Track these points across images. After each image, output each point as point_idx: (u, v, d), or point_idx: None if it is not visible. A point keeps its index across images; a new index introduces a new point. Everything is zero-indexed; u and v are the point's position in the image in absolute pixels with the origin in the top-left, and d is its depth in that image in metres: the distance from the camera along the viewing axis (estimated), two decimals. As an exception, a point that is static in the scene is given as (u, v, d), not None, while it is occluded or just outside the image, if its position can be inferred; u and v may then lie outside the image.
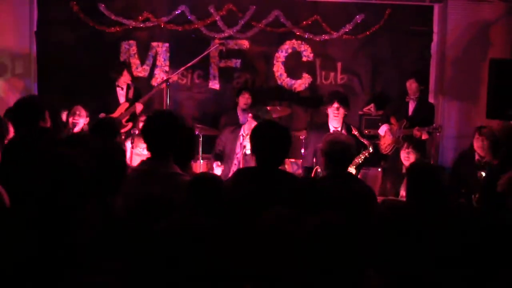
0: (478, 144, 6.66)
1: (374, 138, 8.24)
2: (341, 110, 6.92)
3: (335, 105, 6.93)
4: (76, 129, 6.95)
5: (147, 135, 4.06)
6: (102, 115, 7.47)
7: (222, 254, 3.28)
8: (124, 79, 8.16)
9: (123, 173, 3.54)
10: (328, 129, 7.02)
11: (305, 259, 3.07)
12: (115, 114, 7.84)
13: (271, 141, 4.07)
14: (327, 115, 7.10)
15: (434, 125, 7.60)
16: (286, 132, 4.26)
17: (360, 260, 3.63)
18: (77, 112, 7.03)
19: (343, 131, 6.86)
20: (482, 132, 6.62)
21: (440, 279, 3.58)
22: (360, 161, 6.39)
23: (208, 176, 3.78)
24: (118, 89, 8.14)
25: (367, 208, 4.46)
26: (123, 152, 4.01)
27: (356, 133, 6.64)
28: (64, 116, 7.59)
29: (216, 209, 3.44)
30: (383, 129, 7.99)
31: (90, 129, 5.46)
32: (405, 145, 6.87)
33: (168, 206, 3.58)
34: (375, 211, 4.58)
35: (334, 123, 6.98)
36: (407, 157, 6.73)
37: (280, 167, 4.29)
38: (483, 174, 6.29)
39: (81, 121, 6.99)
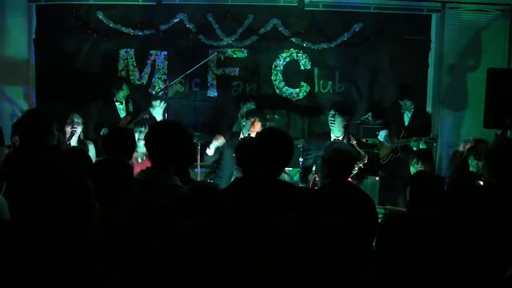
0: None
1: (372, 147, 8.29)
2: (337, 119, 6.95)
3: (331, 112, 6.98)
4: (75, 138, 6.92)
5: (150, 144, 4.03)
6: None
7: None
8: (124, 94, 8.17)
9: (127, 184, 3.52)
10: (330, 138, 7.05)
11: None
12: None
13: (274, 149, 3.97)
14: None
15: (430, 135, 7.59)
16: (290, 141, 4.22)
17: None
18: (75, 120, 7.01)
19: (344, 140, 6.89)
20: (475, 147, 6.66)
21: (441, 281, 3.60)
22: (354, 171, 6.36)
23: (206, 185, 3.77)
24: (117, 103, 8.16)
25: (367, 215, 4.49)
26: (128, 166, 3.96)
27: (354, 142, 6.67)
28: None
29: (213, 217, 3.43)
30: (382, 135, 8.02)
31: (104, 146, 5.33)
32: (415, 159, 6.84)
33: (166, 216, 3.57)
34: (375, 218, 4.61)
35: (335, 132, 7.01)
36: (418, 168, 6.73)
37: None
38: (481, 183, 6.28)
39: (79, 129, 6.96)
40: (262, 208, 3.61)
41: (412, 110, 8.00)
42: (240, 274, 3.24)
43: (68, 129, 6.94)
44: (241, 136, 7.32)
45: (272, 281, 3.28)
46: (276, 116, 8.16)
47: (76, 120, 7.01)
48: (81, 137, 7.05)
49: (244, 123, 7.33)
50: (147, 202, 3.51)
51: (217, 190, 3.59)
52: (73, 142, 6.89)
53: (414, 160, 6.63)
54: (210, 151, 7.29)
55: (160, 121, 5.14)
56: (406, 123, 8.06)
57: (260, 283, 3.28)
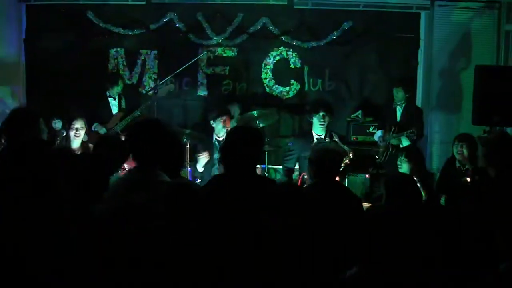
0: (456, 151, 6.72)
1: (361, 145, 8.33)
2: (327, 119, 7.00)
3: (321, 113, 7.01)
4: (77, 141, 6.90)
5: (132, 144, 4.03)
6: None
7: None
8: (118, 89, 8.19)
9: (106, 181, 3.52)
10: (312, 137, 7.09)
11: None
12: (110, 124, 7.89)
13: (243, 145, 3.97)
14: (311, 123, 7.17)
15: (410, 130, 7.55)
16: (258, 134, 4.23)
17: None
18: (78, 126, 6.95)
19: (326, 138, 6.92)
20: (460, 139, 6.69)
21: (426, 279, 3.63)
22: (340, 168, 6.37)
23: (184, 183, 3.78)
24: (110, 99, 8.17)
25: (353, 214, 4.52)
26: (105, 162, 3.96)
27: (336, 139, 6.71)
28: (57, 124, 7.62)
29: (192, 215, 3.45)
30: (377, 135, 8.06)
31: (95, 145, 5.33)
32: (401, 157, 6.86)
33: (153, 214, 3.58)
34: (361, 216, 4.64)
35: (319, 131, 7.05)
36: (400, 166, 6.75)
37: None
38: (468, 179, 6.32)
39: (82, 133, 6.94)
40: (237, 203, 3.64)
41: (404, 104, 8.00)
42: (219, 273, 3.27)
43: (72, 134, 6.94)
44: (214, 137, 7.43)
45: (253, 280, 3.31)
46: (264, 110, 8.16)
47: (79, 126, 6.97)
48: (84, 139, 7.01)
49: (214, 125, 7.42)
50: (127, 201, 3.55)
51: (195, 188, 3.61)
52: (76, 145, 6.91)
53: (400, 158, 6.66)
54: (200, 168, 7.33)
55: (139, 120, 5.13)
56: (398, 118, 8.07)
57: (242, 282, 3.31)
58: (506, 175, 4.67)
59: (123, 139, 7.61)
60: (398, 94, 7.99)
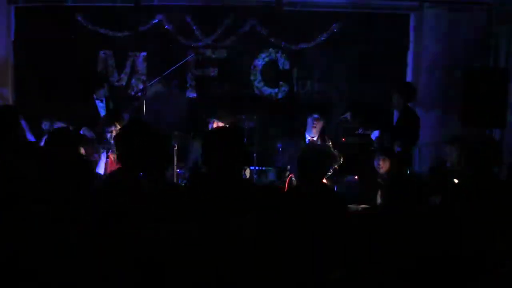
0: (447, 152, 6.72)
1: (350, 146, 8.32)
2: (320, 122, 7.02)
3: (315, 115, 7.04)
4: None
5: (119, 145, 4.03)
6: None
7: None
8: (104, 92, 8.18)
9: (87, 183, 3.50)
10: (304, 138, 7.10)
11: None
12: (99, 128, 7.87)
13: (222, 146, 3.98)
14: (304, 124, 7.19)
15: (399, 142, 7.53)
16: (237, 136, 4.23)
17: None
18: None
19: (319, 141, 6.94)
20: (452, 141, 6.69)
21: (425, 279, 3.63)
22: (329, 173, 6.35)
23: (170, 185, 3.78)
24: (97, 101, 8.16)
25: (338, 215, 4.52)
26: (87, 163, 3.95)
27: (329, 143, 6.71)
28: (47, 126, 7.61)
29: (179, 216, 3.45)
30: (374, 135, 8.04)
31: (46, 140, 5.42)
32: (378, 153, 6.85)
33: (133, 216, 3.57)
34: (347, 217, 4.64)
35: (311, 133, 7.07)
36: (382, 165, 6.73)
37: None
38: (456, 181, 6.33)
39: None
40: (217, 204, 3.64)
41: (401, 110, 7.98)
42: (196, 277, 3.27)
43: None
44: None
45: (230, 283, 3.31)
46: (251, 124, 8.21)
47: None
48: None
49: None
50: (112, 203, 3.53)
51: (181, 190, 3.62)
52: None
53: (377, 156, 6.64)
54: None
55: (127, 122, 5.13)
56: (394, 122, 8.07)
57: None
58: (478, 175, 4.73)
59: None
60: (398, 101, 7.97)
